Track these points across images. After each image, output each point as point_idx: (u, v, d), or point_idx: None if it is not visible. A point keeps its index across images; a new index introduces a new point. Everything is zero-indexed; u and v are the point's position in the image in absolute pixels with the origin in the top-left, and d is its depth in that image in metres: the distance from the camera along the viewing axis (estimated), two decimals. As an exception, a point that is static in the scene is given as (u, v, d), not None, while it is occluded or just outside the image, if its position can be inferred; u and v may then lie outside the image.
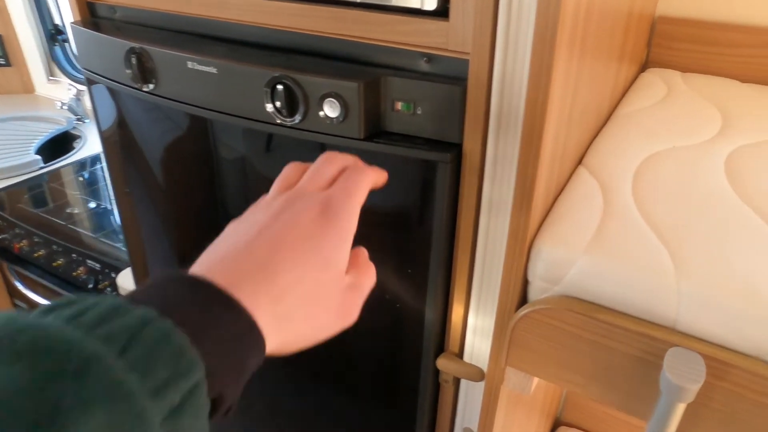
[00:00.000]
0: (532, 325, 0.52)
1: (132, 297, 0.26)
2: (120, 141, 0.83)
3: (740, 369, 0.43)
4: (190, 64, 0.57)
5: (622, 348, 0.47)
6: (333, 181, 0.38)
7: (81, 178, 1.65)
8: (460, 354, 0.66)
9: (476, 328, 0.62)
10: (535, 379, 0.57)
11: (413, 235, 0.60)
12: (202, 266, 0.31)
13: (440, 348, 0.68)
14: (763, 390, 0.43)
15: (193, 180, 0.82)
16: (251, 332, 0.29)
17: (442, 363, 0.66)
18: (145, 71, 0.61)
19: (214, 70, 0.56)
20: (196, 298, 0.28)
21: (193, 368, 0.25)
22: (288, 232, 0.33)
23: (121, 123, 0.80)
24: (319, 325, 0.34)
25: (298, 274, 0.32)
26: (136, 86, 0.64)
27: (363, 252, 0.39)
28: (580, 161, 0.61)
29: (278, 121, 0.55)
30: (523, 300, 0.55)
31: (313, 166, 0.38)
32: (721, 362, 0.43)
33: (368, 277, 0.38)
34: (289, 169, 0.39)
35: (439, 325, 0.65)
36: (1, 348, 0.21)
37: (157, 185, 0.87)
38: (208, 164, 0.78)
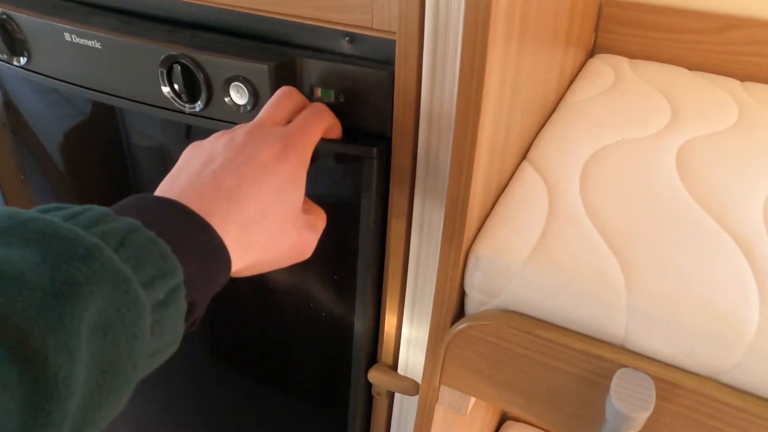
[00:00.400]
0: (468, 342, 0.46)
1: (114, 211, 0.28)
2: (9, 124, 0.72)
3: (689, 390, 0.38)
4: (68, 36, 0.48)
5: (566, 368, 0.42)
6: (289, 119, 0.40)
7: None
8: (394, 366, 0.60)
9: (410, 340, 0.56)
10: (473, 398, 0.52)
11: (339, 236, 0.54)
12: (172, 191, 0.32)
13: (373, 359, 0.63)
14: (711, 412, 0.38)
15: (103, 169, 0.72)
16: (221, 253, 0.31)
17: (373, 375, 0.60)
18: (13, 42, 0.52)
19: (97, 45, 0.47)
20: (173, 217, 0.30)
21: (175, 270, 0.27)
22: (251, 167, 0.34)
23: (7, 104, 0.69)
24: (275, 257, 0.36)
25: (261, 207, 0.34)
26: (2, 58, 0.54)
27: (307, 198, 0.41)
28: (524, 155, 0.56)
29: (177, 107, 0.47)
30: (460, 312, 0.49)
31: (271, 101, 0.40)
32: (670, 383, 0.39)
33: (321, 218, 0.41)
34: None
35: (370, 335, 0.59)
36: (12, 234, 0.23)
37: (59, 174, 0.77)
38: (120, 152, 0.69)
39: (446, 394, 0.51)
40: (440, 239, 0.48)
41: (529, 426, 1.14)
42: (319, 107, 0.42)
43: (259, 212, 0.34)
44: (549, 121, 0.61)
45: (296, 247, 0.38)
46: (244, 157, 0.35)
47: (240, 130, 0.37)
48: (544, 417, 0.45)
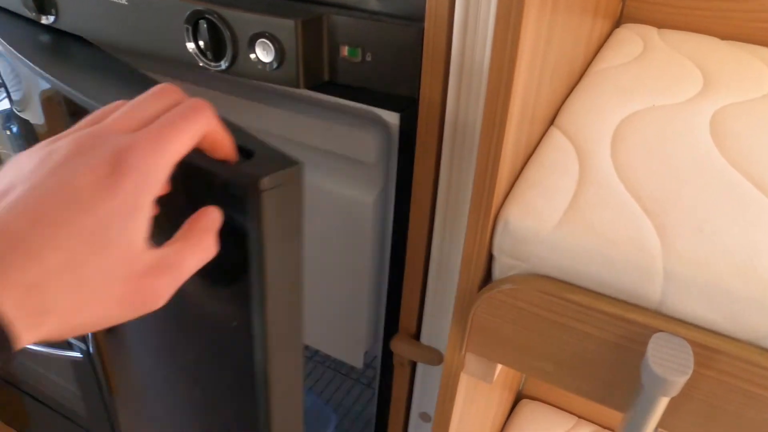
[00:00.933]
0: (496, 307, 0.45)
1: None
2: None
3: (728, 356, 0.37)
4: (93, -7, 0.47)
5: (599, 333, 0.41)
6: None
7: (8, 132, 1.49)
8: (416, 335, 0.59)
9: (434, 307, 0.56)
10: (499, 366, 0.51)
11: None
12: None
13: (395, 328, 0.62)
14: (752, 378, 0.37)
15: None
16: None
17: (396, 345, 0.60)
18: (42, 0, 0.51)
19: (123, 1, 0.47)
20: None
21: None
22: (61, 199, 0.25)
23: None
24: (94, 317, 0.27)
25: (66, 258, 0.25)
26: (32, 16, 0.53)
27: (198, 218, 0.30)
28: (552, 121, 0.54)
29: (201, 65, 0.46)
30: (488, 277, 0.48)
31: (136, 99, 0.29)
32: (708, 348, 0.38)
33: (193, 253, 0.29)
34: (115, 103, 0.30)
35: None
36: None
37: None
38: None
39: (472, 361, 0.51)
40: (467, 203, 0.47)
41: (543, 404, 1.13)
42: (191, 105, 0.29)
43: (63, 265, 0.25)
44: (576, 88, 0.60)
45: (130, 299, 0.27)
46: (55, 183, 0.25)
47: (66, 140, 0.27)
48: (573, 384, 0.44)
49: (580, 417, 1.09)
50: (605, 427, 1.06)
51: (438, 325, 0.57)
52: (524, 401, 1.14)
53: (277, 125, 0.56)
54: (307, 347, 1.03)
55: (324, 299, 0.68)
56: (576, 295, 0.41)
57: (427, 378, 0.61)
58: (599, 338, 0.41)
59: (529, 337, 0.45)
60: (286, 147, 0.60)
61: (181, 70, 0.58)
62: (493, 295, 0.45)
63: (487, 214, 0.44)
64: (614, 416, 1.06)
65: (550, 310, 0.42)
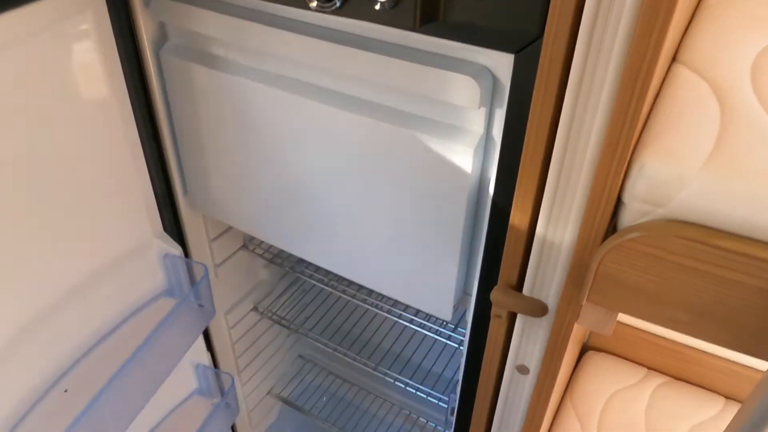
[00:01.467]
0: (625, 255, 0.43)
1: None
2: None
3: None
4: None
5: (750, 281, 0.39)
6: None
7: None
8: (518, 286, 0.58)
9: (541, 258, 0.54)
10: (617, 315, 0.50)
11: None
12: None
13: (489, 280, 0.61)
14: None
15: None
16: None
17: (496, 296, 0.58)
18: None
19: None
20: None
21: None
22: None
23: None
24: None
25: None
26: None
27: None
28: (673, 58, 0.50)
29: (313, 5, 0.44)
30: (610, 225, 0.46)
31: None
32: None
33: None
34: None
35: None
36: None
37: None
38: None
39: (588, 311, 0.49)
40: (590, 146, 0.44)
41: (610, 355, 1.12)
42: None
43: None
44: (693, 21, 0.55)
45: None
46: None
47: None
48: (711, 334, 0.42)
49: (650, 368, 1.08)
50: (677, 378, 1.05)
51: (543, 276, 0.55)
52: (590, 353, 1.13)
53: (376, 71, 0.54)
54: (393, 302, 1.02)
55: (414, 249, 0.66)
56: (725, 240, 0.39)
57: (527, 330, 0.60)
58: (750, 286, 0.39)
59: (662, 285, 0.43)
60: (384, 94, 0.58)
61: (281, 20, 0.56)
62: (623, 243, 0.43)
63: (623, 158, 0.42)
64: (687, 368, 1.04)
65: (691, 257, 0.40)
